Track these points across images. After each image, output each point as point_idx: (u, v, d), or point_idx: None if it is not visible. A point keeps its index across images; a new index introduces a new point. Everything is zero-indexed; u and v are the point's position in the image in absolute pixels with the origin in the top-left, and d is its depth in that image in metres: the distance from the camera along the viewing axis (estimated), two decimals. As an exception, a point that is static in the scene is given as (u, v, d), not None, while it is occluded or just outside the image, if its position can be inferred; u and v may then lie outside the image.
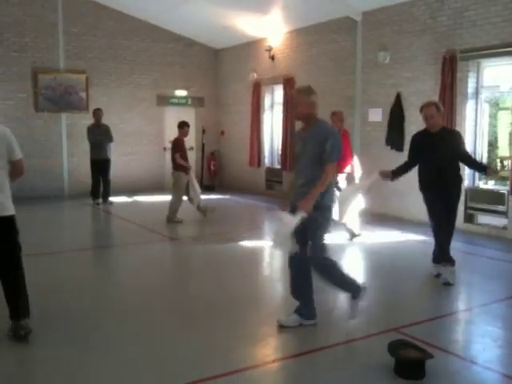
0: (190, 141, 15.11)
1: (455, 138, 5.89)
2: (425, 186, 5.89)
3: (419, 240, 8.03)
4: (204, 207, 9.65)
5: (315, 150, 4.38)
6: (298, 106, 4.53)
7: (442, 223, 5.78)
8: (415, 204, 8.91)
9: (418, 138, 5.95)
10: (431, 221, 5.88)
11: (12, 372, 3.86)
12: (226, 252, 7.55)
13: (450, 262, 5.86)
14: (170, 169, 14.82)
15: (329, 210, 4.50)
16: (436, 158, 5.70)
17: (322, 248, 4.49)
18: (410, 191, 7.84)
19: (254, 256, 7.46)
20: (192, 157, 15.04)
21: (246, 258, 7.29)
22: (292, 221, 4.24)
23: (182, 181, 9.44)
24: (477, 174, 8.91)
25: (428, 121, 5.73)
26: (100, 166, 11.44)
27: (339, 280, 4.63)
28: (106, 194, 11.60)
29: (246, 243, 8.02)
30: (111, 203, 11.53)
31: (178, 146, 9.61)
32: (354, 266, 6.79)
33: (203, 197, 9.87)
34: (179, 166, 9.45)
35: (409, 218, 9.29)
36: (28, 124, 12.58)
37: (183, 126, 9.85)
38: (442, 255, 5.87)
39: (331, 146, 4.32)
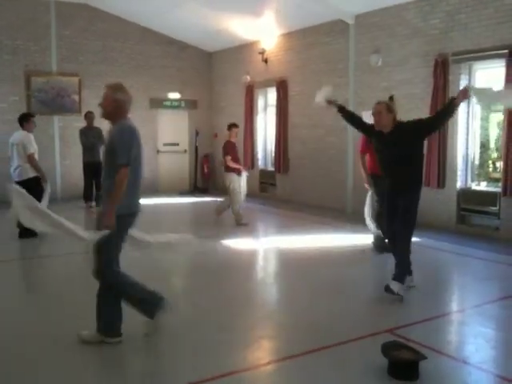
0: (183, 143, 15.15)
1: (406, 132, 5.36)
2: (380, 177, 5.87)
3: (412, 242, 8.04)
4: (238, 213, 9.51)
5: (108, 156, 4.07)
6: (103, 100, 4.19)
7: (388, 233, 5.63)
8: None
9: (374, 130, 5.62)
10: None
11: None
12: (217, 255, 7.54)
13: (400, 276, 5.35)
14: (164, 171, 15.09)
15: (122, 220, 4.10)
16: (384, 158, 5.55)
17: (113, 262, 4.22)
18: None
19: (247, 258, 7.45)
20: (185, 159, 15.09)
21: (238, 260, 7.29)
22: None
23: (235, 182, 9.41)
24: (469, 176, 8.97)
25: (374, 117, 5.49)
26: (93, 168, 11.40)
27: (134, 298, 4.26)
28: (99, 197, 11.54)
29: (238, 246, 8.01)
30: None
31: (227, 149, 9.56)
32: (346, 268, 6.80)
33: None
34: (231, 168, 9.45)
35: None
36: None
37: (231, 127, 9.76)
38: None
39: (120, 148, 3.97)
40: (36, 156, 8.32)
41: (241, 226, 9.39)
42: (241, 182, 9.54)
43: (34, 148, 8.26)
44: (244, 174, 9.64)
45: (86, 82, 13.33)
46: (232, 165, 9.45)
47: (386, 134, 5.45)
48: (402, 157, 5.31)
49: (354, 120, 5.91)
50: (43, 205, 8.08)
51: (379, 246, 7.19)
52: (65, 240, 4.44)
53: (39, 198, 8.39)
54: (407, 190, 5.34)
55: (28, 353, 4.10)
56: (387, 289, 5.25)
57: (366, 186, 7.23)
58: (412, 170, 5.38)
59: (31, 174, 8.14)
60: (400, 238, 5.38)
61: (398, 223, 5.33)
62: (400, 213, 5.31)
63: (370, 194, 7.17)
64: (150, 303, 4.26)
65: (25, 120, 8.48)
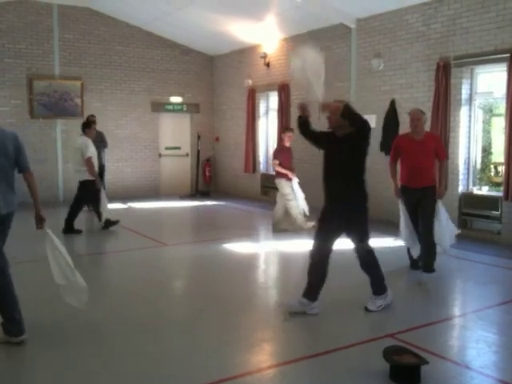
0: (185, 147, 15.17)
1: (352, 139, 5.04)
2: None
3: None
4: (299, 218, 9.16)
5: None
6: None
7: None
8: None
9: (327, 133, 5.44)
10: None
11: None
12: (220, 258, 7.54)
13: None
14: (166, 175, 15.11)
15: None
16: (327, 166, 5.30)
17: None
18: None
19: (249, 262, 7.45)
20: (187, 163, 15.11)
21: (241, 263, 7.29)
22: None
23: (285, 188, 9.11)
24: (471, 180, 8.96)
25: (328, 118, 5.45)
26: None
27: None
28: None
29: (241, 249, 8.01)
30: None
31: (276, 153, 9.40)
32: (348, 272, 6.78)
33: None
34: (279, 174, 9.20)
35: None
36: (23, 130, 12.51)
37: (284, 130, 9.57)
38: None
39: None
40: (94, 160, 8.97)
41: (307, 230, 8.78)
42: (294, 187, 9.16)
43: (90, 152, 8.88)
44: (295, 180, 9.20)
45: (89, 85, 13.38)
46: (279, 170, 9.16)
47: (338, 137, 5.32)
48: (350, 164, 5.25)
49: (308, 132, 5.91)
50: (103, 204, 8.86)
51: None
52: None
53: (95, 198, 8.93)
54: (351, 211, 5.15)
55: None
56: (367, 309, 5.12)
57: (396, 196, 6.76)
58: (356, 183, 5.23)
59: (88, 176, 8.88)
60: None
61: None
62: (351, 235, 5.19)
63: (400, 206, 6.62)
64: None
65: (87, 127, 9.20)
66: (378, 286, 5.17)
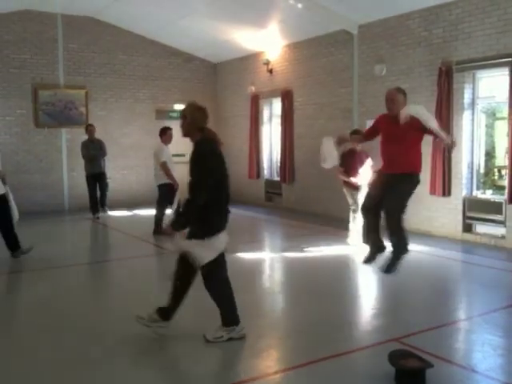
0: (190, 154, 15.19)
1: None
2: None
3: (418, 250, 8.07)
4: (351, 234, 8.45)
5: None
6: None
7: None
8: (415, 213, 8.98)
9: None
10: None
11: None
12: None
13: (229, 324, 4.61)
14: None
15: None
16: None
17: None
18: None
19: (253, 268, 7.48)
20: (191, 170, 15.11)
21: (246, 269, 7.32)
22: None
23: (348, 197, 8.49)
24: (475, 184, 8.98)
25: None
26: (96, 179, 11.66)
27: None
28: (104, 203, 11.98)
29: (246, 255, 8.04)
30: (106, 211, 11.90)
31: (341, 159, 8.00)
32: (353, 276, 6.82)
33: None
34: (343, 182, 8.50)
35: (408, 228, 9.31)
36: (28, 139, 12.66)
37: (351, 133, 8.23)
38: None
39: None
40: (170, 165, 9.33)
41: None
42: (356, 196, 8.23)
43: (165, 157, 9.26)
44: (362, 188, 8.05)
45: (93, 94, 13.47)
46: (340, 177, 8.51)
47: None
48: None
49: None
50: (173, 207, 8.99)
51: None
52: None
53: (170, 201, 9.17)
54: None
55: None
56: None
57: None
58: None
59: (164, 180, 9.26)
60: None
61: None
62: None
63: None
64: None
65: (163, 133, 9.59)
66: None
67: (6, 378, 3.91)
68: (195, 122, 4.51)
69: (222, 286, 4.59)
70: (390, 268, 5.51)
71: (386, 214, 5.48)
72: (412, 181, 5.49)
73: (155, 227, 9.34)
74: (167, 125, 14.68)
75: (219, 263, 4.51)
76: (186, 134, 4.60)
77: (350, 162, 8.31)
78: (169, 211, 9.20)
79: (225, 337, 4.48)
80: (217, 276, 4.54)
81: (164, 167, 9.26)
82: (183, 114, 4.60)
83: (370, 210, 5.59)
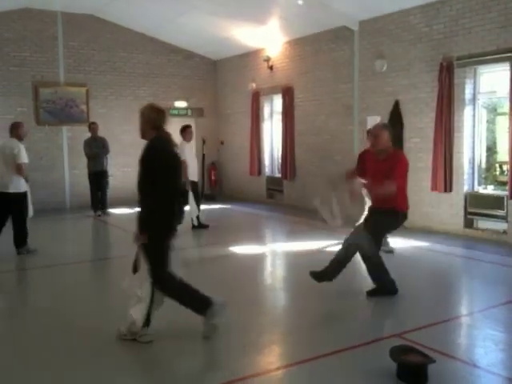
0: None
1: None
2: None
3: (420, 246, 8.07)
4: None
5: None
6: None
7: None
8: (416, 209, 8.98)
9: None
10: None
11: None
12: (227, 261, 7.58)
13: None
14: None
15: None
16: None
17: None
18: (408, 196, 7.88)
19: (255, 264, 7.49)
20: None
21: (248, 266, 7.33)
22: None
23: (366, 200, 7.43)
24: (476, 179, 8.97)
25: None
26: (98, 177, 11.64)
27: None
28: (104, 205, 11.86)
29: (248, 251, 8.05)
30: (109, 214, 11.78)
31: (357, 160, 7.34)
32: (354, 273, 6.81)
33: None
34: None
35: (410, 224, 9.31)
36: (29, 137, 12.59)
37: (367, 132, 7.66)
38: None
39: None
40: (191, 162, 9.49)
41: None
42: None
43: (184, 155, 9.00)
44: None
45: (94, 92, 13.46)
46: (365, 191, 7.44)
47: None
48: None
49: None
50: (191, 205, 9.23)
51: None
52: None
53: (185, 199, 9.18)
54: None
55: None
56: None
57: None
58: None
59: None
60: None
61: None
62: None
63: None
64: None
65: (183, 131, 9.78)
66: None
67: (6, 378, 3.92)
68: (149, 122, 4.46)
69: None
70: (371, 293, 5.61)
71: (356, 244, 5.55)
72: (392, 214, 5.49)
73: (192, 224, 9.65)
74: (168, 122, 14.77)
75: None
76: (141, 133, 4.55)
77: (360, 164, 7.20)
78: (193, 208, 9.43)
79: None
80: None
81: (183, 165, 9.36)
82: (140, 114, 4.57)
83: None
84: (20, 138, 7.76)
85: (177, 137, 10.04)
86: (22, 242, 7.82)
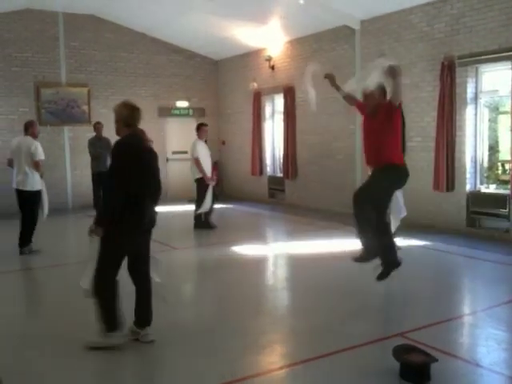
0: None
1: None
2: None
3: (422, 245, 8.06)
4: None
5: None
6: None
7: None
8: (418, 208, 8.97)
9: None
10: None
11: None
12: (229, 261, 7.58)
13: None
14: (173, 179, 15.17)
15: None
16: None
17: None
18: (410, 195, 7.89)
19: (256, 264, 7.49)
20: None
21: (250, 266, 7.33)
22: None
23: None
24: (478, 178, 8.96)
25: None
26: (100, 177, 11.61)
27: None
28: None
29: (250, 251, 8.05)
30: None
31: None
32: (356, 273, 6.80)
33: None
34: None
35: (412, 223, 9.30)
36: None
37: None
38: None
39: None
40: (205, 160, 9.65)
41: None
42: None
43: (197, 152, 9.57)
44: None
45: (95, 92, 13.48)
46: None
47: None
48: None
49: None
50: (206, 201, 9.44)
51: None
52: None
53: (203, 195, 9.52)
54: None
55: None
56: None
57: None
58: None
59: (197, 175, 9.63)
60: None
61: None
62: None
63: None
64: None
65: (198, 129, 9.97)
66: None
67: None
68: (122, 119, 4.40)
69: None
70: (380, 277, 5.61)
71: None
72: (391, 169, 5.45)
73: (196, 221, 9.82)
74: (170, 122, 14.82)
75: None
76: (116, 131, 4.48)
77: None
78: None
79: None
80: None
81: (196, 162, 9.59)
82: (114, 111, 4.51)
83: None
84: (35, 136, 7.97)
85: (193, 135, 10.35)
86: (26, 241, 7.89)
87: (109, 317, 4.25)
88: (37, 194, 7.85)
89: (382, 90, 5.58)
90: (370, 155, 5.57)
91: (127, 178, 4.17)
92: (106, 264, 4.24)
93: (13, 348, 4.46)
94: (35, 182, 7.77)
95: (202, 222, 9.77)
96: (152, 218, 4.44)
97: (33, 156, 7.72)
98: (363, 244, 5.58)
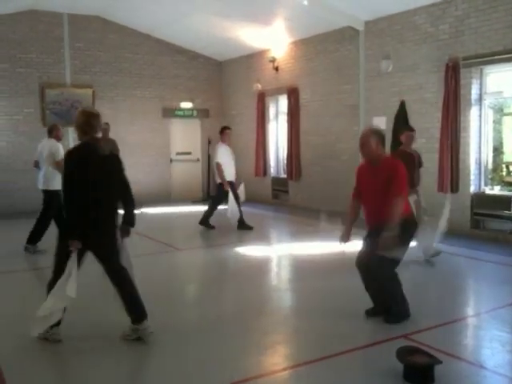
0: (196, 152, 15.25)
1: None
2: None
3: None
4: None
5: None
6: None
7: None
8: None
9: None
10: None
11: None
12: (232, 262, 7.58)
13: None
14: (177, 180, 15.20)
15: None
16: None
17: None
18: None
19: (260, 265, 7.48)
20: (198, 168, 15.18)
21: (253, 267, 7.33)
22: None
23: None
24: (482, 180, 8.93)
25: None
26: None
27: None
28: None
29: (253, 252, 8.05)
30: None
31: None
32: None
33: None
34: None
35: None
36: (36, 138, 12.60)
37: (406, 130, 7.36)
38: None
39: None
40: (227, 163, 9.65)
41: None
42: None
43: (219, 157, 9.60)
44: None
45: (100, 93, 13.50)
46: None
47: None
48: None
49: None
50: (230, 205, 9.52)
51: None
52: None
53: (220, 200, 9.72)
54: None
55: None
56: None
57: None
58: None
59: (219, 180, 9.71)
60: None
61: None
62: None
63: None
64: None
65: (221, 132, 9.99)
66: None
67: None
68: (78, 126, 4.46)
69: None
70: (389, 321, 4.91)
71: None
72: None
73: (203, 218, 9.89)
74: (174, 123, 14.84)
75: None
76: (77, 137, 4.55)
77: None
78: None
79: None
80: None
81: (217, 167, 9.59)
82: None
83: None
84: (59, 139, 8.28)
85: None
86: (34, 239, 8.05)
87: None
88: (53, 194, 7.98)
89: (378, 137, 4.89)
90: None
91: (71, 186, 4.30)
92: (55, 267, 4.48)
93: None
94: (55, 182, 7.90)
95: (245, 224, 9.77)
96: (96, 222, 4.43)
97: (54, 157, 7.98)
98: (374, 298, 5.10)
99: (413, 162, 6.87)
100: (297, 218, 11.27)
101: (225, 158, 9.69)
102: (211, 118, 15.33)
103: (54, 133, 8.27)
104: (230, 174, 9.74)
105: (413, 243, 6.67)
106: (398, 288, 4.91)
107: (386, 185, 4.68)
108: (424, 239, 6.87)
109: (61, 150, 8.01)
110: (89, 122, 4.43)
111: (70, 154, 4.41)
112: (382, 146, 4.89)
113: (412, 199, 6.28)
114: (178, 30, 13.30)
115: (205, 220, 9.93)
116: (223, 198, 9.73)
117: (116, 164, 4.62)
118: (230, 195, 9.57)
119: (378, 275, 4.88)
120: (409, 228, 4.88)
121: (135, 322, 4.47)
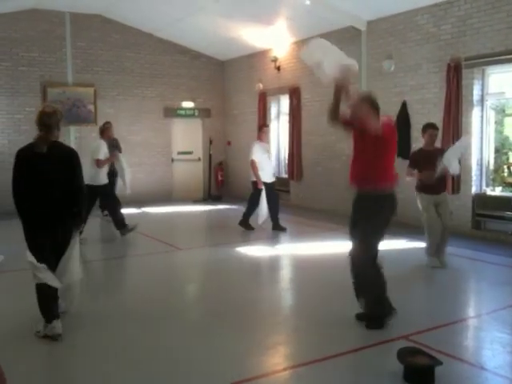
0: (197, 152, 15.25)
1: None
2: None
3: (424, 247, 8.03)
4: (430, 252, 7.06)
5: None
6: None
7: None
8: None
9: None
10: None
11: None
12: (233, 261, 7.58)
13: None
14: (178, 179, 15.21)
15: None
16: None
17: None
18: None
19: (261, 265, 7.49)
20: (199, 168, 15.18)
21: (254, 267, 7.32)
22: None
23: (421, 202, 7.11)
24: (484, 181, 8.92)
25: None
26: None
27: None
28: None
29: (254, 252, 8.05)
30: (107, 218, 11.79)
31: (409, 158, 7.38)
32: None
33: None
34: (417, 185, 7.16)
35: (417, 225, 9.28)
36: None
37: (428, 128, 7.13)
38: None
39: None
40: (263, 162, 9.59)
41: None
42: (429, 203, 6.97)
43: (253, 154, 9.57)
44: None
45: (102, 92, 13.51)
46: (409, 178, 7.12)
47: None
48: None
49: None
50: (261, 205, 9.33)
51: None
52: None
53: (254, 200, 9.51)
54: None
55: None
56: None
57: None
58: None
59: (252, 177, 9.65)
60: None
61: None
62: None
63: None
64: None
65: (259, 130, 10.17)
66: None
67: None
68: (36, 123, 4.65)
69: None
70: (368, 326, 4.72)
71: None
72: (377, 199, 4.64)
73: (243, 219, 9.70)
74: (176, 122, 14.84)
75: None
76: None
77: (422, 162, 6.87)
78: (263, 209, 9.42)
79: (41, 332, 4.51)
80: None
81: (252, 165, 9.50)
82: None
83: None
84: (108, 138, 9.39)
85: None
86: (120, 224, 9.07)
87: (44, 310, 4.53)
88: (105, 187, 9.04)
89: (371, 103, 4.98)
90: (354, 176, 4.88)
91: (16, 181, 4.55)
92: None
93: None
94: (100, 178, 8.90)
95: (279, 225, 9.62)
96: (44, 218, 4.60)
97: (93, 154, 8.84)
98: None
99: (434, 161, 6.69)
100: (298, 218, 11.26)
101: (258, 156, 9.48)
102: (213, 118, 15.33)
103: (105, 133, 9.34)
104: (266, 174, 9.51)
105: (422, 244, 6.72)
106: (376, 287, 4.70)
107: (373, 148, 4.71)
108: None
109: (100, 150, 8.86)
110: (41, 119, 4.56)
111: (17, 153, 4.62)
112: (372, 111, 4.91)
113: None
114: (180, 29, 13.30)
115: (244, 221, 9.72)
116: (258, 197, 9.40)
117: (57, 163, 4.74)
118: (263, 197, 9.29)
119: (359, 270, 4.77)
120: (383, 203, 4.66)
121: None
